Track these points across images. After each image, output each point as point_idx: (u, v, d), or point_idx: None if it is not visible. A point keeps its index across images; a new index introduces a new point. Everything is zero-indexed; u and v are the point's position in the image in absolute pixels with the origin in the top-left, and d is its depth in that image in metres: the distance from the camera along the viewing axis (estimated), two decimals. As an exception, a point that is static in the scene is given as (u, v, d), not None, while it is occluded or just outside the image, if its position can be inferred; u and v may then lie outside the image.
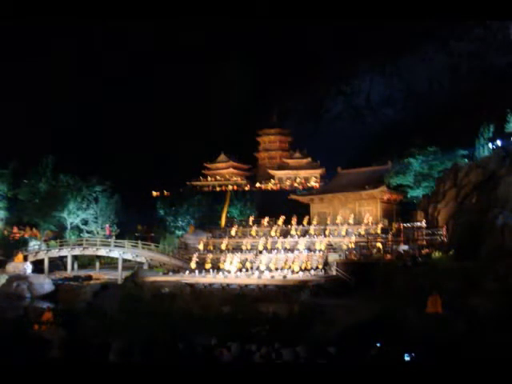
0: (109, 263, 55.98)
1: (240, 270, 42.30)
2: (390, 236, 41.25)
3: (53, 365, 11.64)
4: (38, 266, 51.08)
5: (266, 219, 51.75)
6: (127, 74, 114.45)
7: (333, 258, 40.89)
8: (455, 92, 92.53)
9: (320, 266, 40.71)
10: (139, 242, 53.26)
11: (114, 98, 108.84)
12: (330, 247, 43.59)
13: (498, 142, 40.80)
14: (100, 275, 50.36)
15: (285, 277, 38.31)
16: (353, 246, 41.22)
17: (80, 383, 9.87)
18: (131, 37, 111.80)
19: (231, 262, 43.55)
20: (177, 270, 45.25)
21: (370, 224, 45.46)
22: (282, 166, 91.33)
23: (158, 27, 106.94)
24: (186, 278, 40.97)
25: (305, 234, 47.37)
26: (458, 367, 10.37)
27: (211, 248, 48.92)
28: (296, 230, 48.28)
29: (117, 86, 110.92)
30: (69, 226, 59.42)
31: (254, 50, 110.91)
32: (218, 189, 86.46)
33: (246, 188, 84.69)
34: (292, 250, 44.11)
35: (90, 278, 48.77)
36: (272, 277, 38.65)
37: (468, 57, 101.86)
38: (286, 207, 53.25)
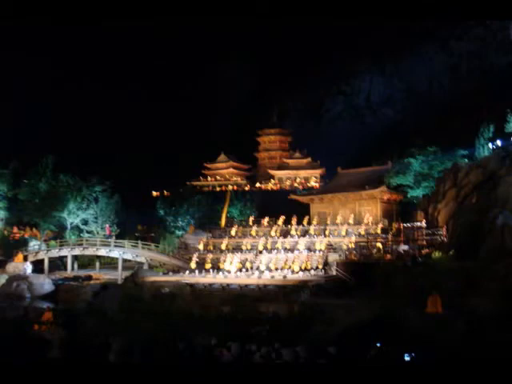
0: (109, 263, 55.93)
1: (240, 270, 42.29)
2: (390, 236, 41.23)
3: (53, 365, 11.65)
4: (38, 266, 51.03)
5: (266, 219, 51.73)
6: (127, 74, 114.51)
7: (333, 257, 40.88)
8: (455, 92, 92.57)
9: (320, 266, 40.69)
10: (139, 242, 53.23)
11: (114, 98, 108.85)
12: (330, 247, 43.57)
13: (498, 142, 40.82)
14: (100, 275, 50.31)
15: (285, 277, 38.31)
16: (353, 245, 41.20)
17: (80, 383, 9.86)
18: (131, 37, 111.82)
19: (231, 262, 43.53)
20: (177, 270, 45.25)
21: (370, 224, 45.43)
22: (282, 166, 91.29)
23: (157, 27, 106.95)
24: (186, 277, 40.97)
25: (305, 234, 47.35)
26: (457, 367, 10.37)
27: (211, 248, 48.90)
28: (296, 229, 48.26)
29: (116, 87, 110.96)
30: (69, 226, 59.41)
31: (254, 49, 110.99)
32: (218, 189, 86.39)
33: (246, 188, 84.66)
34: (292, 250, 44.07)
35: (90, 278, 48.74)
36: (272, 277, 38.64)
37: (468, 57, 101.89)
38: (286, 207, 53.15)
